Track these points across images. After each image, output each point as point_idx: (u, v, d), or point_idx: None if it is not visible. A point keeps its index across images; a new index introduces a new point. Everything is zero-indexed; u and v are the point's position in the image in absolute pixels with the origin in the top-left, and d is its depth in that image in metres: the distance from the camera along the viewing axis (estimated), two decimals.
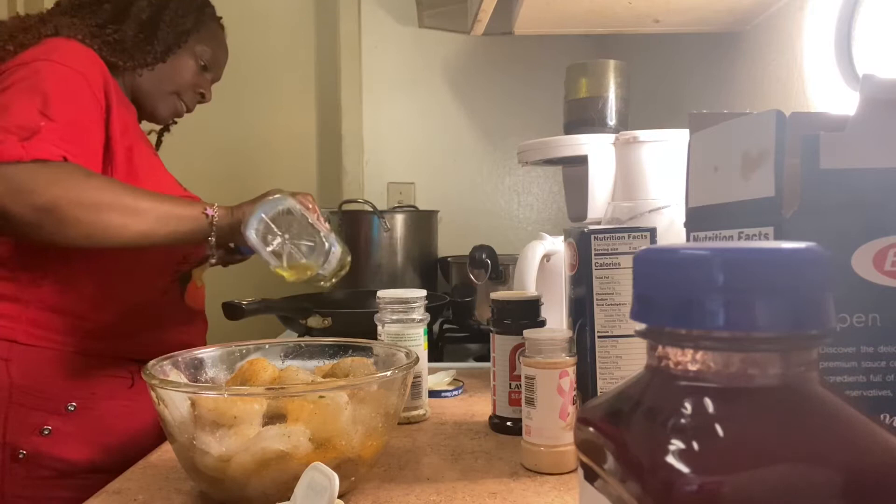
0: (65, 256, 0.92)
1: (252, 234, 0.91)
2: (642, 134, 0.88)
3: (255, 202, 0.93)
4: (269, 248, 0.92)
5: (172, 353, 0.63)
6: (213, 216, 0.90)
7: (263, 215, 0.92)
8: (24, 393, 0.89)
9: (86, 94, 0.90)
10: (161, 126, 1.21)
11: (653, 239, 0.64)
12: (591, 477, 0.25)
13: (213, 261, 0.98)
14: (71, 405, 0.91)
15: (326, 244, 0.96)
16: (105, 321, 0.96)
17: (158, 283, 1.01)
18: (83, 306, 0.94)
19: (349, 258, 1.00)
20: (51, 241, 0.85)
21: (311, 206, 0.99)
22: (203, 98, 1.16)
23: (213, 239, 0.92)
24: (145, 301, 1.00)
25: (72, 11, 1.01)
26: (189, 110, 1.15)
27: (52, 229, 0.82)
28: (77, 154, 0.86)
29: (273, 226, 0.93)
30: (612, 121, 1.00)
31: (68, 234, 0.83)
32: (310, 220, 0.96)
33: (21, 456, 0.88)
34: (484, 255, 1.21)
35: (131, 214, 0.85)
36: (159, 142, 1.23)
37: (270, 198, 0.93)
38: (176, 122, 1.20)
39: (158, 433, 0.93)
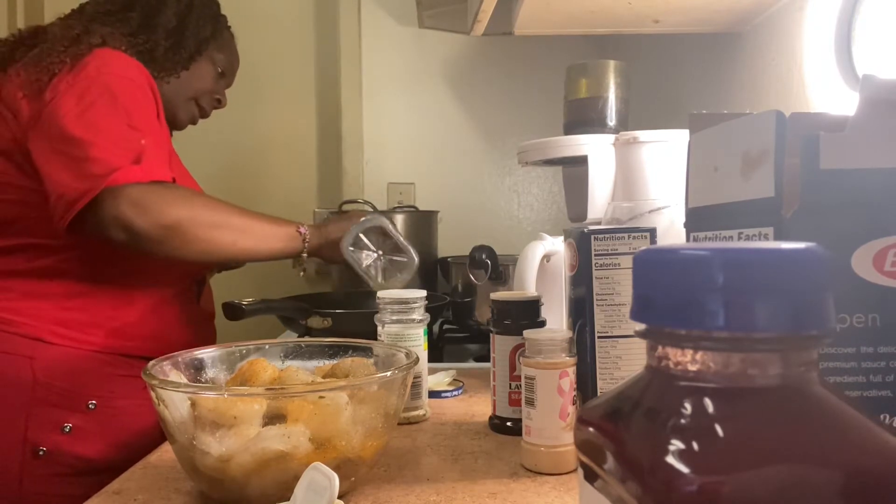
0: (89, 258, 0.95)
1: (349, 252, 1.01)
2: (642, 134, 0.88)
3: (341, 220, 1.03)
4: (365, 264, 1.03)
5: (172, 354, 0.63)
6: (305, 234, 1.00)
7: (359, 233, 1.02)
8: (47, 390, 0.91)
9: (150, 104, 0.96)
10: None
11: (653, 239, 0.63)
12: (591, 477, 0.25)
13: (301, 274, 1.09)
14: (91, 403, 0.93)
15: (416, 259, 1.06)
16: (127, 321, 0.98)
17: (179, 288, 1.04)
18: (106, 306, 0.97)
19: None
20: (170, 255, 0.92)
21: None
22: (219, 104, 1.20)
23: (306, 255, 1.02)
24: (165, 302, 1.02)
25: (101, 19, 1.03)
26: (206, 116, 1.18)
27: (175, 244, 0.90)
28: (170, 171, 0.94)
29: (367, 241, 1.04)
30: (612, 121, 1.00)
31: (190, 250, 0.92)
32: (401, 238, 1.06)
33: (41, 453, 0.89)
34: (484, 255, 1.21)
35: (240, 232, 0.95)
36: None
37: (363, 218, 1.03)
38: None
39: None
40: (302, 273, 1.07)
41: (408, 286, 1.07)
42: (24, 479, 0.89)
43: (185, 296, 1.06)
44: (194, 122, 1.18)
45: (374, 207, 1.58)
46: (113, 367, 0.96)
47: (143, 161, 0.89)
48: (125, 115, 0.91)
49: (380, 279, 1.03)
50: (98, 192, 0.85)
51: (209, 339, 1.12)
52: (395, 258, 1.05)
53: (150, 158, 0.90)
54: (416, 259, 1.07)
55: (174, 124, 1.15)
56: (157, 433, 0.93)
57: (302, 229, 1.00)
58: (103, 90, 0.91)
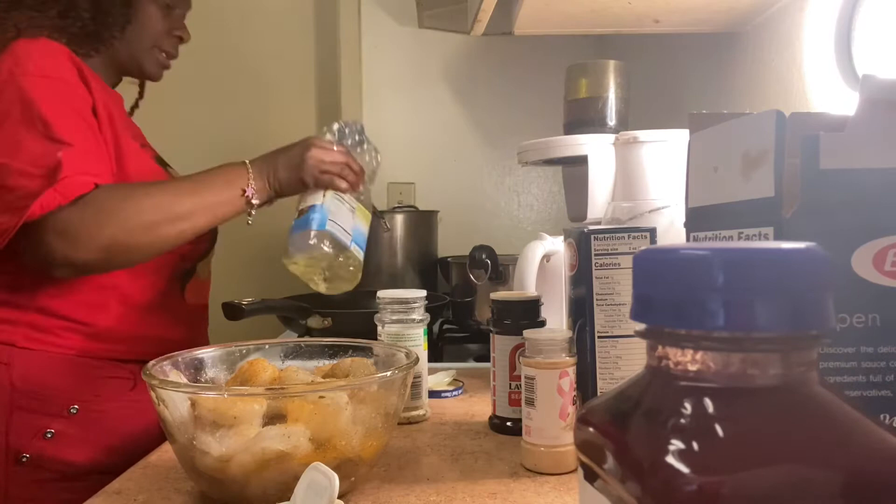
0: None
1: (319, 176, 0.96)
2: (642, 134, 0.88)
3: (290, 153, 0.97)
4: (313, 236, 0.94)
5: (172, 353, 0.63)
6: (251, 195, 0.94)
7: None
8: (26, 397, 0.89)
9: (75, 100, 0.89)
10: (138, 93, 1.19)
11: (653, 239, 0.63)
12: (591, 477, 0.25)
13: (250, 221, 0.98)
14: (73, 408, 0.91)
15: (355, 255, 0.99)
16: (104, 324, 0.95)
17: (157, 284, 1.01)
18: (81, 311, 0.93)
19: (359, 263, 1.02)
20: (124, 268, 0.90)
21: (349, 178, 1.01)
22: (182, 40, 1.12)
23: (254, 213, 0.96)
24: (145, 303, 0.99)
25: (17, 5, 0.95)
26: (173, 56, 1.11)
27: (121, 260, 0.88)
28: (99, 171, 0.87)
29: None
30: (612, 121, 1.00)
31: (140, 257, 0.89)
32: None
33: (24, 459, 0.88)
34: (484, 255, 1.21)
35: (183, 220, 0.89)
36: (134, 108, 1.20)
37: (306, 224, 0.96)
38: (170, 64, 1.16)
39: (162, 434, 0.93)
40: (248, 223, 0.99)
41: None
42: (9, 486, 0.87)
43: (168, 293, 1.02)
44: (167, 67, 1.11)
45: (373, 207, 1.58)
46: (96, 370, 0.94)
47: (61, 177, 0.81)
48: (42, 126, 0.83)
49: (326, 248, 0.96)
50: (19, 225, 0.80)
51: (200, 335, 1.09)
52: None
53: (71, 169, 0.82)
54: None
55: (147, 76, 1.09)
56: (146, 435, 0.91)
57: (248, 191, 0.94)
58: (15, 98, 0.84)
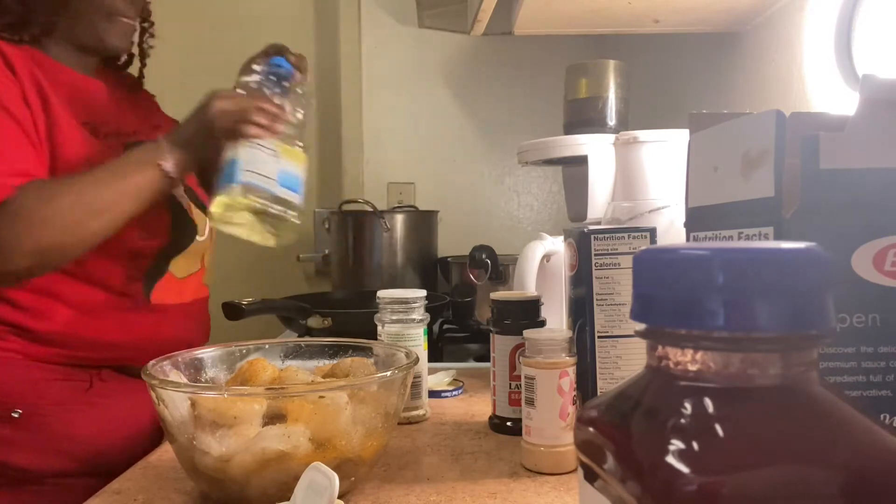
0: None
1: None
2: (642, 134, 0.88)
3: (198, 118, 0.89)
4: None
5: (172, 353, 0.63)
6: (168, 169, 0.88)
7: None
8: None
9: (4, 92, 0.86)
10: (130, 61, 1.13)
11: (653, 239, 0.64)
12: (591, 477, 0.25)
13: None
14: (15, 412, 0.87)
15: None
16: (49, 329, 0.91)
17: (110, 287, 0.96)
18: (21, 316, 0.90)
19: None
20: (57, 269, 0.87)
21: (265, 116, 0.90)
22: (147, 2, 1.04)
23: (179, 184, 0.91)
24: (94, 307, 0.94)
25: None
26: (133, 18, 1.02)
27: (53, 262, 0.85)
28: (22, 169, 0.83)
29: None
30: (612, 121, 1.00)
31: (70, 257, 0.86)
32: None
33: None
34: (484, 255, 1.21)
35: (105, 211, 0.85)
36: (141, 76, 1.15)
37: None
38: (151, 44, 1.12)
39: (125, 434, 0.90)
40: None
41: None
42: None
43: (127, 297, 0.97)
44: (132, 31, 1.02)
45: (374, 207, 1.58)
46: (44, 373, 0.90)
47: None
48: None
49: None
50: None
51: (167, 341, 0.96)
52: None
53: None
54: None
55: (113, 50, 1.01)
56: (105, 438, 0.89)
57: (165, 166, 0.88)
58: None
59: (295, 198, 0.90)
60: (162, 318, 1.00)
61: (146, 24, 1.13)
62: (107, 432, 0.90)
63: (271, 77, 0.95)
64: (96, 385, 0.93)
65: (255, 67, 0.96)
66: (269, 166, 0.88)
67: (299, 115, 0.95)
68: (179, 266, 1.04)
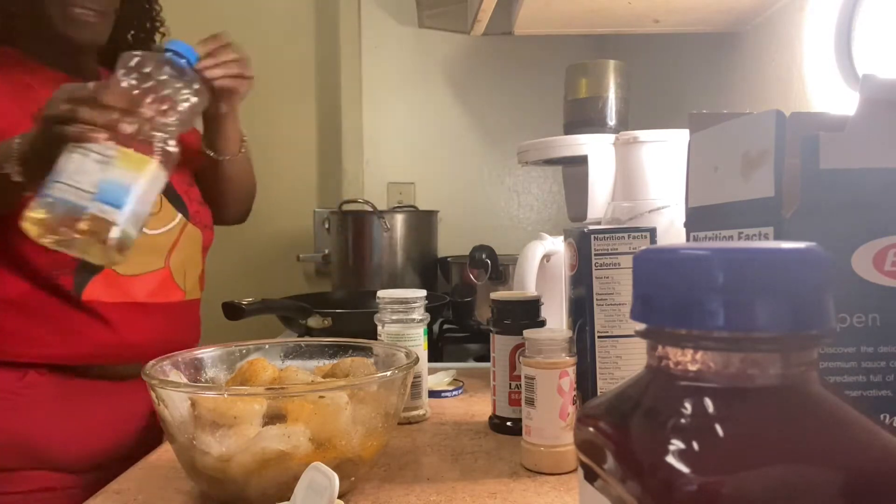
0: None
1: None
2: (642, 134, 0.88)
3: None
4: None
5: (172, 353, 0.63)
6: (11, 173, 0.78)
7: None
8: None
9: None
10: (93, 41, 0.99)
11: (653, 239, 0.64)
12: (591, 477, 0.25)
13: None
14: None
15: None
16: None
17: (37, 275, 0.89)
18: None
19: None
20: None
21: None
22: None
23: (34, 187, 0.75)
24: (20, 296, 0.89)
25: None
26: (91, 8, 0.93)
27: None
28: None
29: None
30: (612, 121, 1.00)
31: None
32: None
33: None
34: (484, 255, 1.21)
35: None
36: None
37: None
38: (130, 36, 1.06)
39: (57, 427, 0.87)
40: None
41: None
42: None
43: (48, 294, 0.90)
44: (88, 20, 0.93)
45: (374, 207, 1.58)
46: None
47: None
48: None
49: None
50: None
51: (104, 342, 0.92)
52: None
53: None
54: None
55: (74, 40, 0.94)
56: (33, 428, 0.86)
57: (7, 168, 0.78)
58: None
59: (113, 214, 0.74)
60: (96, 317, 0.92)
61: (157, 24, 1.12)
62: (35, 423, 0.87)
63: (161, 64, 0.81)
64: (29, 376, 0.89)
65: (136, 52, 0.81)
66: (91, 176, 0.73)
67: (182, 109, 0.81)
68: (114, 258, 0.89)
